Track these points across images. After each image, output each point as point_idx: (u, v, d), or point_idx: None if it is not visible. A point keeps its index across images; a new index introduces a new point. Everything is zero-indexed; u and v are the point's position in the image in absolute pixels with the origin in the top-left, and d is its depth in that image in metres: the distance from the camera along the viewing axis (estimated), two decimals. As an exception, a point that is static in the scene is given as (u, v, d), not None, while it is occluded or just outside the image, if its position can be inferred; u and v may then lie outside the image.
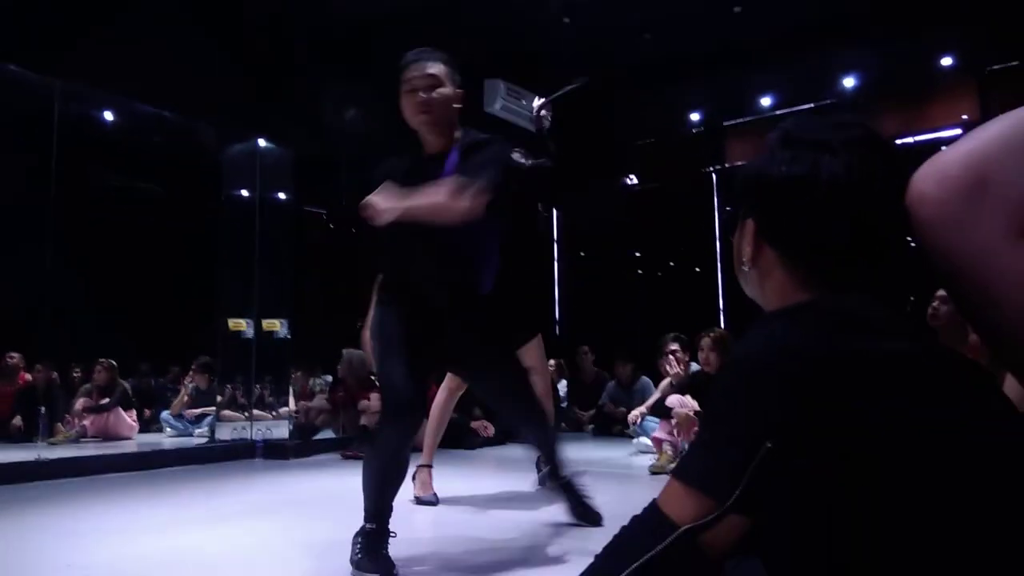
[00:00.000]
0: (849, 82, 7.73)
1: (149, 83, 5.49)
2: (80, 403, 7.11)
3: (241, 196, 6.97)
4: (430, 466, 3.77)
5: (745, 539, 0.88)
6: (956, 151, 0.87)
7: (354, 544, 2.35)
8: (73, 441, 6.74)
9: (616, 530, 0.95)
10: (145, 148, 7.22)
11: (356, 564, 2.30)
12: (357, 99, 6.44)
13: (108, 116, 6.41)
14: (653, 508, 0.91)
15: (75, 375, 8.02)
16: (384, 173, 2.39)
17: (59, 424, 6.95)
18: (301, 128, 6.50)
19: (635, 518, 0.93)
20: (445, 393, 3.82)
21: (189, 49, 5.39)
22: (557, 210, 9.86)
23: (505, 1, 6.58)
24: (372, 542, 2.34)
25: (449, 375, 3.76)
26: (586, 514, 3.04)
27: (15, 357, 7.28)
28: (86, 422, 6.99)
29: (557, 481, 3.08)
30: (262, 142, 6.39)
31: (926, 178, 0.88)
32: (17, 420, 6.96)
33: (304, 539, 2.88)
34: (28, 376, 7.31)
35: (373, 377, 7.29)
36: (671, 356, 5.23)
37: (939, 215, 0.87)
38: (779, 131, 1.02)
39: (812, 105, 7.74)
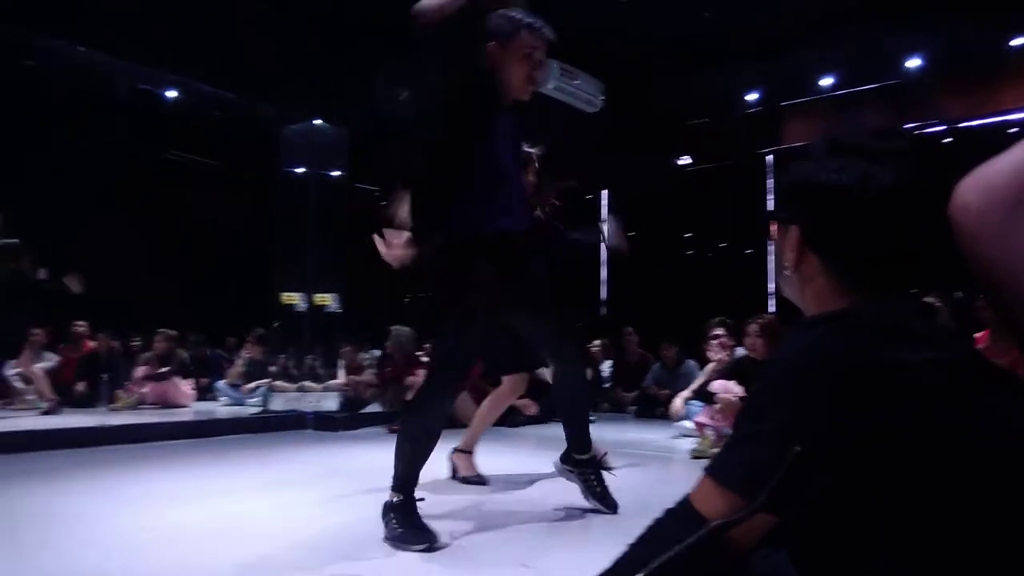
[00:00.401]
0: (913, 63, 7.49)
1: (212, 65, 5.64)
2: (140, 371, 7.40)
3: (296, 174, 7.13)
4: (471, 452, 3.73)
5: (773, 533, 0.91)
6: (1000, 163, 0.87)
7: (387, 521, 2.41)
8: (133, 407, 7.03)
9: (656, 512, 0.99)
10: (207, 126, 7.42)
11: (400, 539, 2.36)
12: (410, 78, 6.50)
13: (172, 95, 6.60)
14: (686, 503, 0.95)
15: (135, 344, 8.34)
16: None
17: (119, 391, 7.26)
18: (356, 107, 6.60)
19: (668, 511, 0.97)
20: (508, 388, 3.82)
21: (251, 32, 5.50)
22: (607, 189, 9.84)
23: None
24: (406, 515, 2.41)
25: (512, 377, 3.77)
26: (604, 498, 2.96)
27: (82, 325, 7.61)
28: (145, 389, 7.29)
29: (579, 463, 2.99)
30: (318, 122, 6.52)
31: (970, 189, 0.89)
32: (81, 386, 7.29)
33: (354, 509, 2.97)
34: (92, 344, 7.63)
35: (420, 355, 7.44)
36: (715, 342, 5.22)
37: (982, 225, 0.87)
38: (825, 138, 1.04)
39: (875, 86, 7.53)
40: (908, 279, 0.98)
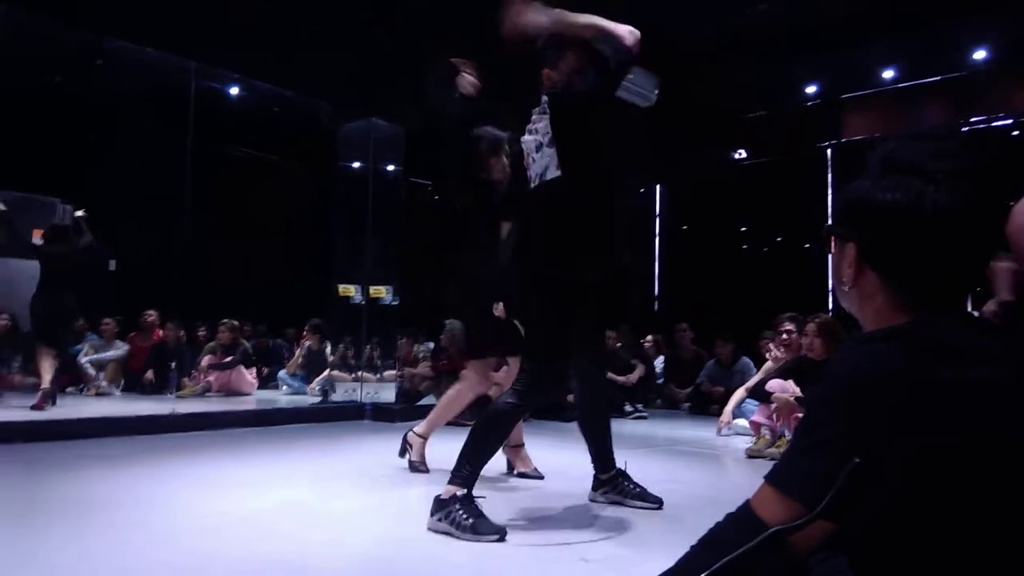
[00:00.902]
0: (979, 55, 7.25)
1: (273, 64, 5.82)
2: (206, 360, 7.68)
3: (353, 168, 7.28)
4: (426, 438, 3.82)
5: (831, 539, 0.95)
6: None
7: (451, 512, 2.48)
8: (199, 395, 7.30)
9: (711, 511, 1.03)
10: (268, 123, 7.64)
11: (474, 528, 2.43)
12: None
13: (235, 92, 6.83)
14: (746, 508, 0.99)
15: (200, 334, 8.64)
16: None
17: (186, 379, 7.55)
18: (411, 104, 6.70)
19: (729, 515, 1.01)
20: (476, 376, 3.82)
21: (311, 33, 5.65)
22: (659, 183, 9.77)
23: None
24: (474, 507, 2.50)
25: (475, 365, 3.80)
26: (644, 497, 3.03)
27: (152, 315, 7.93)
28: (211, 378, 7.56)
29: (608, 482, 3.07)
30: (376, 119, 6.67)
31: None
32: (149, 374, 7.60)
33: (416, 500, 3.05)
34: (160, 333, 7.94)
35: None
36: (782, 336, 5.13)
37: None
38: (881, 155, 1.05)
39: (938, 78, 7.32)
40: (965, 295, 0.99)
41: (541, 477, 3.69)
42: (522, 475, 3.70)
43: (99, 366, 7.56)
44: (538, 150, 2.65)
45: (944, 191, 0.95)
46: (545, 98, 2.67)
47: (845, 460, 0.88)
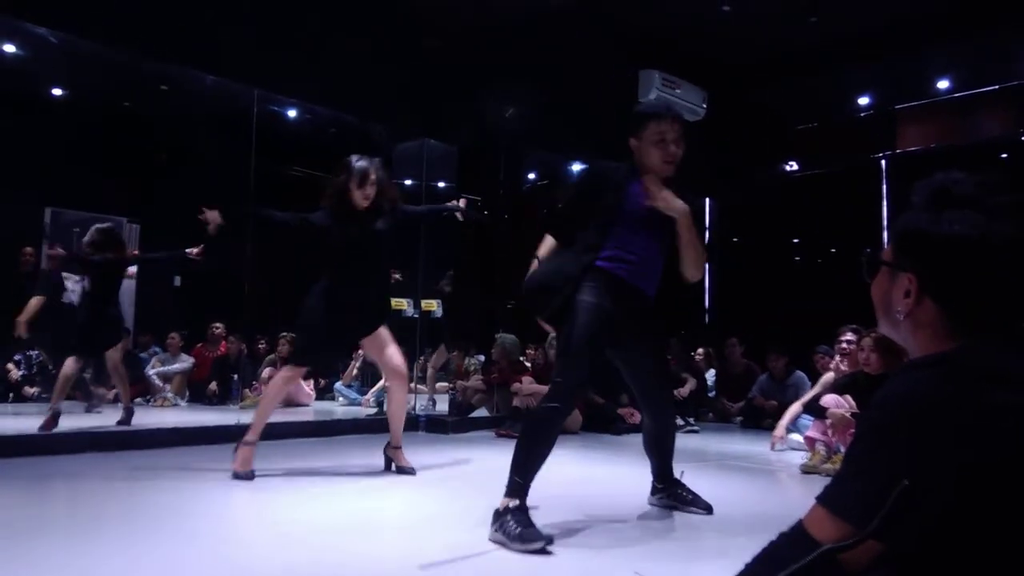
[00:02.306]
0: (1039, 62, 7.09)
1: (330, 88, 6.05)
2: (266, 372, 7.91)
3: (407, 186, 7.45)
4: (254, 444, 3.92)
5: (882, 558, 1.00)
6: None
7: (503, 523, 2.58)
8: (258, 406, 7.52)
9: (765, 527, 1.10)
10: (325, 144, 7.88)
11: (521, 537, 2.53)
12: (516, 95, 6.72)
13: (294, 116, 7.08)
14: (799, 527, 1.05)
15: (261, 346, 8.91)
16: (603, 176, 3.03)
17: (248, 390, 7.80)
18: (464, 122, 6.86)
19: (782, 534, 1.08)
20: (284, 382, 4.14)
21: (366, 58, 5.86)
22: (710, 196, 9.74)
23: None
24: (525, 517, 2.59)
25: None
26: (696, 502, 3.23)
27: (219, 327, 8.24)
28: (271, 389, 7.77)
29: (663, 489, 3.32)
30: (429, 140, 6.87)
31: None
32: (213, 385, 7.87)
33: (470, 511, 3.14)
34: (225, 345, 8.23)
35: (524, 359, 7.61)
36: (844, 346, 5.09)
37: None
38: (931, 189, 1.11)
39: (995, 88, 7.17)
40: (1017, 321, 1.05)
41: (413, 472, 4.08)
42: (400, 470, 4.09)
43: (165, 378, 7.86)
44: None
45: (1008, 224, 1.01)
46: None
47: (895, 482, 0.94)
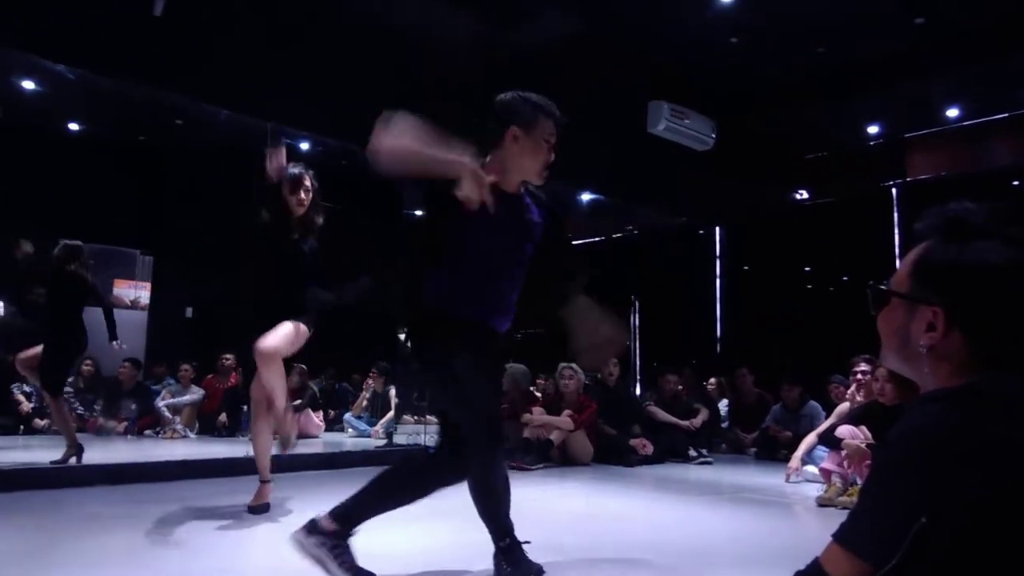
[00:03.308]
0: (1047, 90, 7.11)
1: (342, 121, 6.12)
2: (276, 403, 7.90)
3: (415, 216, 7.50)
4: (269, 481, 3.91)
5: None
6: None
7: (498, 567, 2.51)
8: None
9: (781, 561, 1.07)
10: (336, 175, 7.97)
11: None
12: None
13: (306, 148, 7.15)
14: (815, 565, 1.03)
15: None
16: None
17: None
18: (472, 152, 6.90)
19: (799, 573, 1.05)
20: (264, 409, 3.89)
21: (377, 91, 5.92)
22: (719, 225, 9.74)
23: (669, 24, 6.64)
24: (512, 555, 2.51)
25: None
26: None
27: (230, 359, 8.25)
28: (281, 421, 7.75)
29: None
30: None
31: None
32: (223, 417, 7.86)
33: (479, 542, 3.10)
34: (236, 376, 8.23)
35: (533, 389, 7.57)
36: (857, 376, 5.05)
37: None
38: (946, 218, 1.09)
39: (1005, 115, 7.17)
40: None
41: (267, 509, 3.83)
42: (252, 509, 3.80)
43: (175, 410, 7.86)
44: None
45: None
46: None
47: (912, 520, 0.91)
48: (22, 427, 7.15)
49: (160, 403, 7.83)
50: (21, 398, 7.25)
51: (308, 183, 3.88)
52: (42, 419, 7.24)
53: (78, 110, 8.22)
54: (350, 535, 2.46)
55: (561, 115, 2.52)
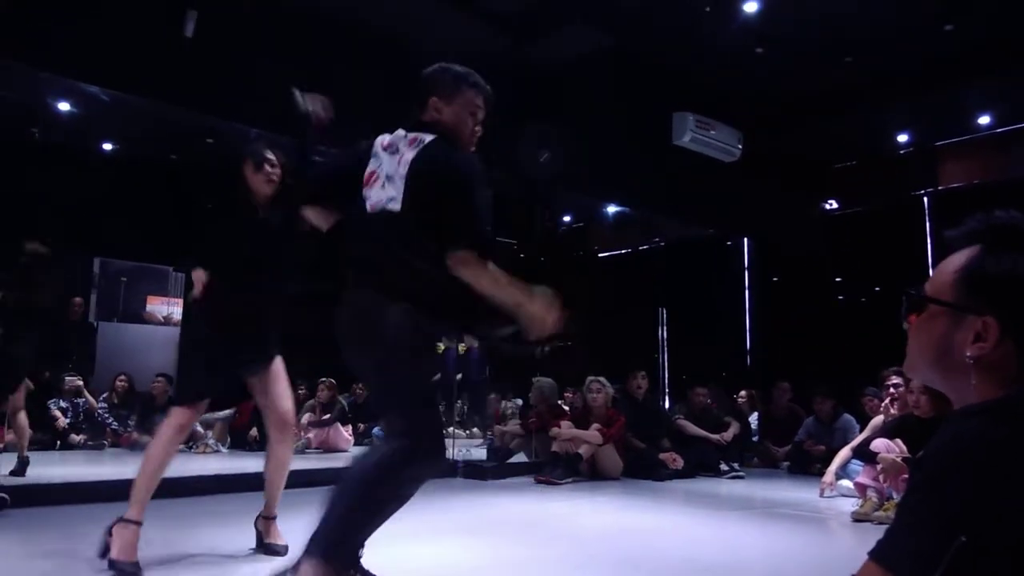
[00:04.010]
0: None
1: (368, 137, 6.18)
2: (305, 418, 7.95)
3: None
4: (140, 523, 2.90)
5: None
6: None
7: None
8: (299, 452, 7.54)
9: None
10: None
11: None
12: (549, 140, 6.78)
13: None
14: (852, 584, 1.00)
15: (300, 392, 8.98)
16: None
17: (288, 436, 7.82)
18: (497, 168, 6.94)
19: (836, 590, 1.03)
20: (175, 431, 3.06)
21: (403, 108, 5.99)
22: (747, 236, 9.66)
23: (694, 35, 6.63)
24: None
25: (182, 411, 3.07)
26: None
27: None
28: (310, 435, 7.82)
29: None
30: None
31: None
32: (254, 431, 7.92)
33: (509, 558, 3.09)
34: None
35: (561, 403, 7.54)
36: (890, 390, 4.96)
37: None
38: (993, 226, 1.07)
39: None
40: None
41: (285, 551, 3.13)
42: (268, 548, 3.20)
43: (207, 425, 7.94)
44: (389, 179, 2.24)
45: None
46: (429, 138, 2.25)
47: (952, 538, 0.89)
48: (58, 442, 7.27)
49: (191, 418, 7.91)
50: (58, 414, 7.37)
51: (273, 156, 3.25)
52: (78, 434, 7.36)
53: (112, 130, 8.42)
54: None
55: (490, 89, 2.36)
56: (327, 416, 7.91)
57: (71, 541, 3.46)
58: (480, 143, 2.38)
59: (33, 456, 5.13)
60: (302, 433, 7.83)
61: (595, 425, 6.25)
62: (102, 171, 8.78)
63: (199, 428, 7.88)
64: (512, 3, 6.13)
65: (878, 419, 5.14)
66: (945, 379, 1.11)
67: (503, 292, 2.14)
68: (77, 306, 8.45)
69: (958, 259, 1.09)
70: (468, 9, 6.08)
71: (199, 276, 3.16)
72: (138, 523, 2.87)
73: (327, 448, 7.72)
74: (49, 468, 5.64)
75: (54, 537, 3.55)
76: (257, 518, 3.28)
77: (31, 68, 5.24)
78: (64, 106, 7.24)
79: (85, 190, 8.27)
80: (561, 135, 6.75)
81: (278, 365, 3.19)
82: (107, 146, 8.88)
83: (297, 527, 3.80)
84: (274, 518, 3.24)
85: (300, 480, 5.40)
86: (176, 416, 3.03)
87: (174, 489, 4.94)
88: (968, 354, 1.05)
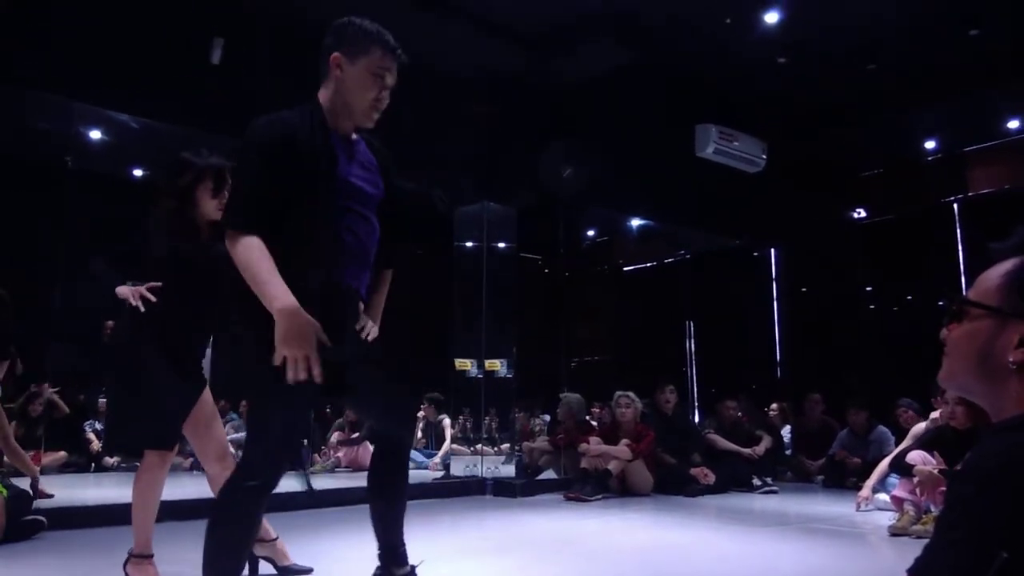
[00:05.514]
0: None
1: (398, 159, 6.26)
2: (335, 437, 8.00)
3: (468, 247, 7.56)
4: (151, 555, 2.91)
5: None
6: None
7: None
8: (329, 471, 7.59)
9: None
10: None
11: None
12: (572, 155, 6.80)
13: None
14: (894, 602, 0.98)
15: (327, 410, 9.03)
16: (286, 134, 2.02)
17: (316, 455, 7.87)
18: (522, 183, 6.97)
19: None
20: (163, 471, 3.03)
21: (427, 125, 6.05)
22: (774, 246, 9.58)
23: (715, 46, 6.63)
24: None
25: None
26: None
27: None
28: (340, 454, 7.85)
29: None
30: (489, 203, 7.02)
31: None
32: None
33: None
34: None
35: (589, 418, 7.50)
36: (941, 399, 4.86)
37: None
38: None
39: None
40: None
41: (310, 570, 3.11)
42: (285, 570, 3.09)
43: (238, 445, 8.00)
44: None
45: None
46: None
47: (992, 555, 0.87)
48: (93, 465, 7.38)
49: (223, 438, 7.99)
50: (92, 436, 7.48)
51: (231, 180, 2.80)
52: (112, 457, 7.45)
53: (141, 156, 8.58)
54: None
55: (401, 51, 2.10)
56: (356, 435, 7.93)
57: (109, 562, 3.50)
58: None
59: (68, 479, 5.21)
60: (331, 452, 7.87)
61: (624, 440, 6.20)
62: (132, 196, 8.94)
63: (231, 448, 7.95)
64: (535, 23, 6.19)
65: (919, 426, 5.05)
66: (984, 387, 1.09)
67: (256, 288, 1.86)
68: (109, 329, 8.58)
69: (1005, 266, 1.08)
70: (492, 30, 6.15)
71: (136, 291, 3.01)
72: (150, 556, 2.87)
73: (356, 467, 7.75)
74: (84, 491, 5.73)
75: (90, 559, 3.59)
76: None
77: (64, 99, 5.39)
78: (95, 134, 7.40)
79: (116, 215, 8.43)
80: (585, 149, 6.77)
81: (208, 393, 3.05)
82: (137, 172, 9.05)
83: (325, 549, 3.82)
84: (275, 539, 3.12)
85: (330, 500, 5.46)
86: (161, 456, 2.97)
87: (201, 510, 4.98)
88: (1011, 359, 1.04)
